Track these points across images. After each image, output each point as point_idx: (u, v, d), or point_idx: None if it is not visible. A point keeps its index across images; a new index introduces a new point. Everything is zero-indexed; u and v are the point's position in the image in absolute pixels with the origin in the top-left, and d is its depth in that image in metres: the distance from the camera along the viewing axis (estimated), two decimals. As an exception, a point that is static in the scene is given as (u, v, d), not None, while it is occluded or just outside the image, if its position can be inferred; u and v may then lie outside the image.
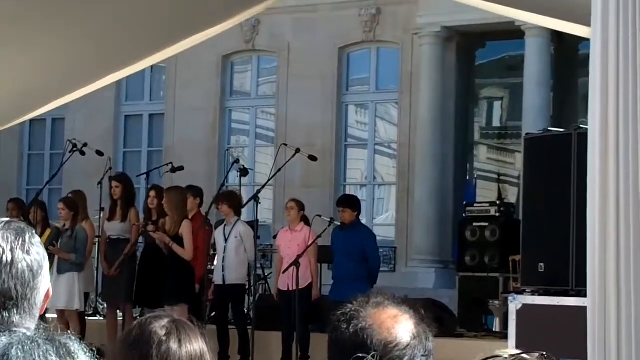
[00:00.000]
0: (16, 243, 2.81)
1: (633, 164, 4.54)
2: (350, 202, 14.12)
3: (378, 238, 14.88)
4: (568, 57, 19.24)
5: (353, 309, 2.76)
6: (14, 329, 2.53)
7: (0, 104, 12.40)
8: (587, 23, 4.80)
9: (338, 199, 15.27)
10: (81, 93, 13.09)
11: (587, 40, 4.83)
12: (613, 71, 4.55)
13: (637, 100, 4.57)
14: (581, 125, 5.37)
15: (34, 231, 2.89)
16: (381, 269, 14.38)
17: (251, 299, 14.18)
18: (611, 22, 4.54)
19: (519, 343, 7.39)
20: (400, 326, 2.72)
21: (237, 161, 16.59)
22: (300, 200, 14.06)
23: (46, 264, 2.92)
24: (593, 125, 4.68)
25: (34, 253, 2.84)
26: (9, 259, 2.76)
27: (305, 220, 13.71)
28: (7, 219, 2.86)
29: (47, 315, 10.37)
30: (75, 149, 15.14)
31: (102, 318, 14.67)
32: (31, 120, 17.92)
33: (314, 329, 13.49)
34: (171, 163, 16.47)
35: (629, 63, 4.53)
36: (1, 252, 2.78)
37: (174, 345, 3.11)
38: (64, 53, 11.28)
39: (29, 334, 1.86)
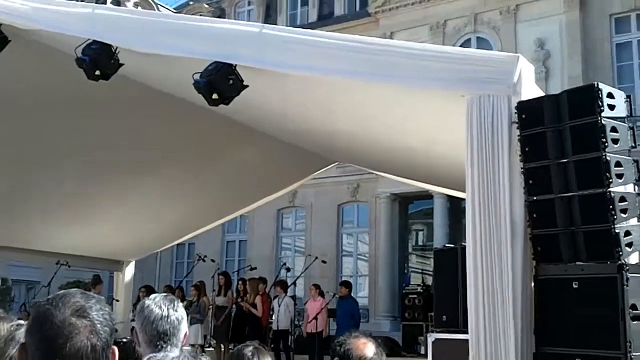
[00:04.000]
0: (170, 305, 2.85)
1: (490, 265, 4.54)
2: (345, 284, 14.04)
3: (359, 304, 14.64)
4: (457, 208, 19.23)
5: (343, 339, 2.77)
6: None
7: (161, 235, 12.47)
8: (464, 190, 4.73)
9: (339, 283, 15.22)
10: (202, 230, 13.16)
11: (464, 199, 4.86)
12: (478, 217, 4.56)
13: (491, 234, 4.51)
14: (463, 244, 5.42)
15: (179, 300, 2.93)
16: (361, 320, 14.17)
17: (292, 337, 13.90)
18: (476, 189, 4.58)
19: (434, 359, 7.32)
20: (368, 348, 2.73)
21: (284, 264, 16.58)
22: (318, 284, 13.97)
23: (185, 317, 2.93)
24: (468, 243, 4.66)
25: (179, 311, 2.87)
26: (166, 314, 2.84)
27: (322, 294, 13.56)
28: (165, 293, 2.92)
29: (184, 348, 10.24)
30: (200, 258, 15.10)
31: (212, 349, 14.37)
32: (178, 244, 17.92)
33: (326, 354, 13.28)
34: (250, 265, 16.44)
35: (487, 210, 4.55)
36: (163, 310, 2.81)
37: None
38: (194, 207, 11.34)
39: (185, 353, 1.86)
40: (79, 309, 1.63)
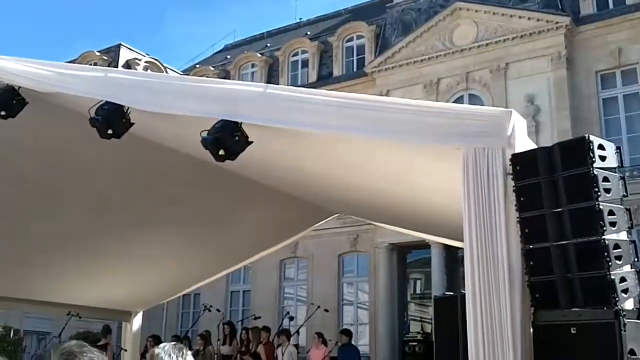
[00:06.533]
0: (179, 353, 2.87)
1: (490, 313, 4.47)
2: (346, 332, 13.91)
3: (360, 352, 14.42)
4: (453, 257, 19.13)
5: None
6: None
7: (167, 286, 12.35)
8: (461, 239, 4.65)
9: (340, 331, 15.04)
10: (207, 281, 13.01)
11: (462, 248, 4.82)
12: (476, 265, 4.50)
13: (489, 282, 4.45)
14: (462, 291, 5.33)
15: (187, 348, 2.92)
16: (363, 368, 13.98)
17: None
18: (474, 238, 4.55)
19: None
20: None
21: (287, 313, 16.46)
22: (321, 332, 13.80)
23: None
24: (468, 291, 4.56)
25: (187, 359, 2.88)
26: None
27: (325, 342, 13.37)
28: (174, 342, 2.93)
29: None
30: (205, 308, 14.95)
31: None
32: (184, 295, 17.76)
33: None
34: (254, 314, 16.23)
35: (485, 259, 4.49)
36: (172, 358, 2.85)
37: None
38: (199, 260, 11.25)
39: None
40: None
